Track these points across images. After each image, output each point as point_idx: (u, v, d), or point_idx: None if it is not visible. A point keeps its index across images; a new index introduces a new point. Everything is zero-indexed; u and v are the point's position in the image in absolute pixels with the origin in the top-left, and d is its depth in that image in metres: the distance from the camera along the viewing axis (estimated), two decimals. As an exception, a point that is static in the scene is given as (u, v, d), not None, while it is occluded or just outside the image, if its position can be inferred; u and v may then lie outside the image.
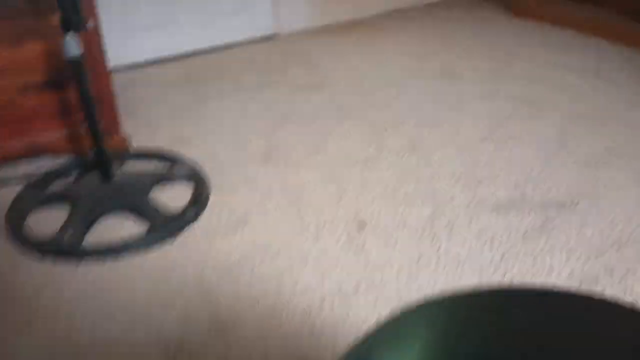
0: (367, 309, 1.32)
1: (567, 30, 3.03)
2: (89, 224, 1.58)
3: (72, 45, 1.46)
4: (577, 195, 1.70)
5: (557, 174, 1.81)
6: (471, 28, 3.10)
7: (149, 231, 1.56)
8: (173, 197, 1.72)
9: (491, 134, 2.05)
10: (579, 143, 1.98)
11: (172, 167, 1.85)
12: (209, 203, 1.69)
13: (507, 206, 1.66)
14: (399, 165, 1.87)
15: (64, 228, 1.55)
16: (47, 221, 1.62)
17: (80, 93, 1.56)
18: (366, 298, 1.35)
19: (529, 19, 3.20)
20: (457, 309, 0.40)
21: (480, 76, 2.53)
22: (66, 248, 1.49)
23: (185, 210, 1.62)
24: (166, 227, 1.56)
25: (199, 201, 1.67)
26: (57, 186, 1.77)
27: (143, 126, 2.14)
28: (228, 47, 2.89)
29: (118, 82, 2.47)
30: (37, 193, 1.72)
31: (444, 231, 1.56)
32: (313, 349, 1.21)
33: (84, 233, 1.55)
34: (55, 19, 1.62)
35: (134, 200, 1.64)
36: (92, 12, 1.70)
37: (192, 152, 1.95)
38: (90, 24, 1.47)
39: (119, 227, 1.60)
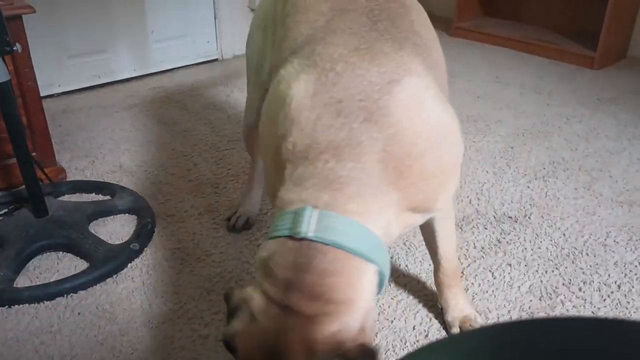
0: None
1: (504, 49, 3.13)
2: (21, 263, 1.45)
3: (-2, 70, 1.35)
4: (529, 208, 1.71)
5: (507, 188, 1.82)
6: (413, 49, 3.15)
7: (88, 269, 1.44)
8: (115, 230, 1.61)
9: (440, 151, 2.05)
10: (525, 157, 2.01)
11: (112, 199, 1.74)
12: (154, 235, 1.59)
13: (463, 223, 1.64)
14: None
15: (-8, 270, 1.41)
16: (-27, 263, 1.47)
17: (8, 121, 1.44)
18: (327, 326, 1.28)
19: (468, 39, 3.29)
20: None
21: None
22: (-5, 292, 1.35)
23: (128, 244, 1.51)
24: (108, 263, 1.44)
25: (143, 234, 1.57)
26: (-16, 224, 1.62)
27: (80, 156, 2.02)
28: (171, 71, 2.80)
29: (53, 110, 2.33)
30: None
31: (402, 249, 1.52)
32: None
33: (16, 274, 1.42)
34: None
35: (71, 236, 1.52)
36: (21, 36, 1.58)
37: (135, 182, 1.85)
38: (17, 48, 1.36)
39: (56, 265, 1.47)
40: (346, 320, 0.75)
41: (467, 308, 1.26)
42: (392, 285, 1.40)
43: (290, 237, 0.78)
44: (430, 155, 0.88)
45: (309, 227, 0.77)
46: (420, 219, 0.99)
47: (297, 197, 0.82)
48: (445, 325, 1.27)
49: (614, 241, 1.56)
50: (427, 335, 1.25)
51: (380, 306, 1.33)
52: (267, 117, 0.95)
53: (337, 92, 0.85)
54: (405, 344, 1.23)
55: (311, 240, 0.77)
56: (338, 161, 0.81)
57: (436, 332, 1.26)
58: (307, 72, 0.89)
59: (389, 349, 1.22)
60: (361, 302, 0.78)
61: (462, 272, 1.44)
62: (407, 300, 1.36)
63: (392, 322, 1.29)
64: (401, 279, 1.43)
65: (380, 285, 0.84)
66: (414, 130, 0.86)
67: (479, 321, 1.26)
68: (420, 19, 1.07)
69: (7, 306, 1.33)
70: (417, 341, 1.24)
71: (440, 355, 0.34)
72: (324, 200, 0.80)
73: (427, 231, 1.19)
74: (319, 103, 0.85)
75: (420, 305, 1.34)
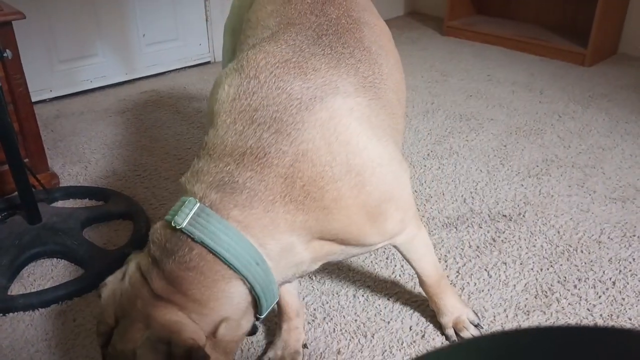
0: (326, 338, 1.25)
1: (496, 47, 3.13)
2: (15, 271, 1.44)
3: (-12, 78, 1.34)
4: (523, 206, 1.71)
5: (501, 186, 1.83)
6: (404, 47, 3.15)
7: (83, 275, 1.43)
8: (109, 236, 1.60)
9: (434, 150, 2.06)
10: (519, 155, 2.02)
11: (106, 204, 1.73)
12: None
13: (458, 222, 1.65)
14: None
15: (-14, 278, 1.40)
16: (-33, 272, 1.46)
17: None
18: (323, 327, 1.28)
19: (460, 37, 3.29)
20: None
21: (419, 92, 2.55)
22: (-11, 300, 1.35)
23: (123, 250, 1.51)
24: (102, 269, 1.44)
25: (137, 239, 1.56)
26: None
27: (73, 162, 2.01)
28: (163, 74, 2.79)
29: (45, 116, 2.32)
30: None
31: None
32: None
33: (10, 282, 1.41)
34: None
35: (66, 243, 1.51)
36: (11, 42, 1.58)
37: (128, 187, 1.84)
38: (7, 54, 1.35)
39: (50, 272, 1.46)
40: (193, 317, 0.78)
41: (458, 310, 1.25)
42: (388, 285, 1.41)
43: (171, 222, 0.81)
44: (347, 183, 0.84)
45: (186, 219, 0.79)
46: (355, 250, 0.95)
47: (191, 188, 0.84)
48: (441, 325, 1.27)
49: (608, 238, 1.57)
50: (423, 336, 1.26)
51: (376, 307, 1.33)
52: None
53: (255, 101, 0.85)
54: (402, 344, 1.23)
55: (183, 232, 0.79)
56: (238, 167, 0.82)
57: (433, 333, 1.27)
58: (232, 76, 0.90)
59: (385, 350, 1.22)
60: (217, 310, 0.79)
61: (458, 272, 1.45)
62: (403, 300, 1.36)
63: (388, 322, 1.29)
64: (397, 279, 1.43)
65: (259, 306, 0.83)
66: (330, 151, 0.82)
67: (472, 318, 1.26)
68: (374, 35, 1.05)
69: (1, 314, 1.32)
70: (414, 342, 1.24)
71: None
72: (210, 199, 0.81)
73: (400, 252, 1.16)
74: (237, 109, 0.86)
75: (416, 306, 1.34)
